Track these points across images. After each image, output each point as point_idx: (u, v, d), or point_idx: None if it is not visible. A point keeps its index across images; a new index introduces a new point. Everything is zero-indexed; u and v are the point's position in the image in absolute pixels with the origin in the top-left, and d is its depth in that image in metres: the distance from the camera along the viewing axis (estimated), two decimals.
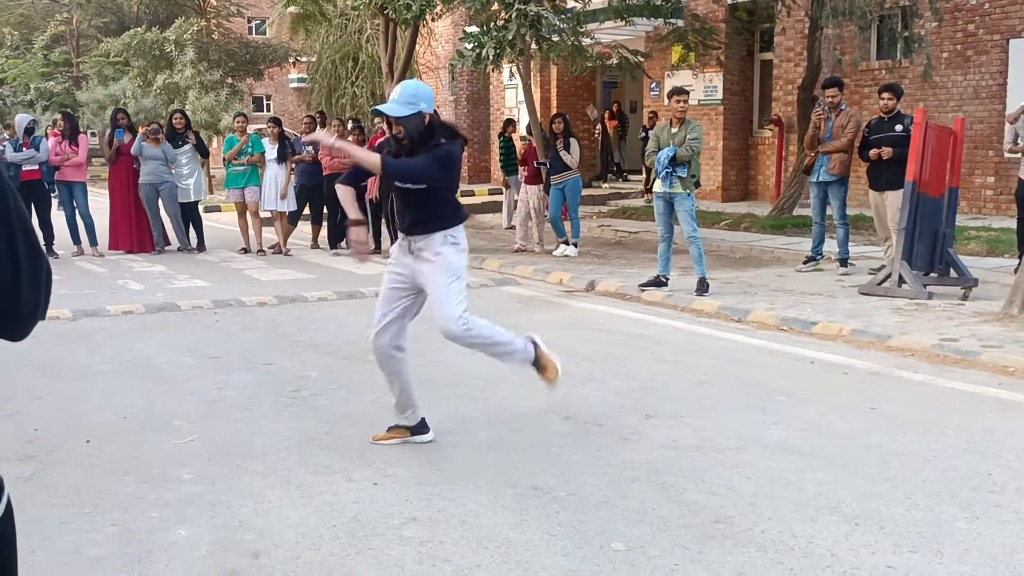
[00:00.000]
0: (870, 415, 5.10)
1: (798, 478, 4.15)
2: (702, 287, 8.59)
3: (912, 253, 8.34)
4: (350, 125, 13.36)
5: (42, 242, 12.65)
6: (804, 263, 10.01)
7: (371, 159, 4.32)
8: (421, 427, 4.75)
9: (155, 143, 12.22)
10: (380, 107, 4.43)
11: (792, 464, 4.34)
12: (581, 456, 4.49)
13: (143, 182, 12.32)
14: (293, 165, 12.46)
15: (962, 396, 5.46)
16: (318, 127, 14.11)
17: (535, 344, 4.68)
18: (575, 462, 4.41)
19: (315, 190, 12.38)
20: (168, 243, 12.74)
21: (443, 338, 4.49)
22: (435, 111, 4.47)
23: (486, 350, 4.57)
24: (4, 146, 11.91)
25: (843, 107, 9.64)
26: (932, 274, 8.54)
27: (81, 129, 14.12)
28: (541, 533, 3.62)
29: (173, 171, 12.46)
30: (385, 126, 4.50)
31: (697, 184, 8.75)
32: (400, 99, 4.31)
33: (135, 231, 12.54)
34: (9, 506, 1.55)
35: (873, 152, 8.93)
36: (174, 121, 12.87)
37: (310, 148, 12.54)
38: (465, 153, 23.92)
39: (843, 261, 9.75)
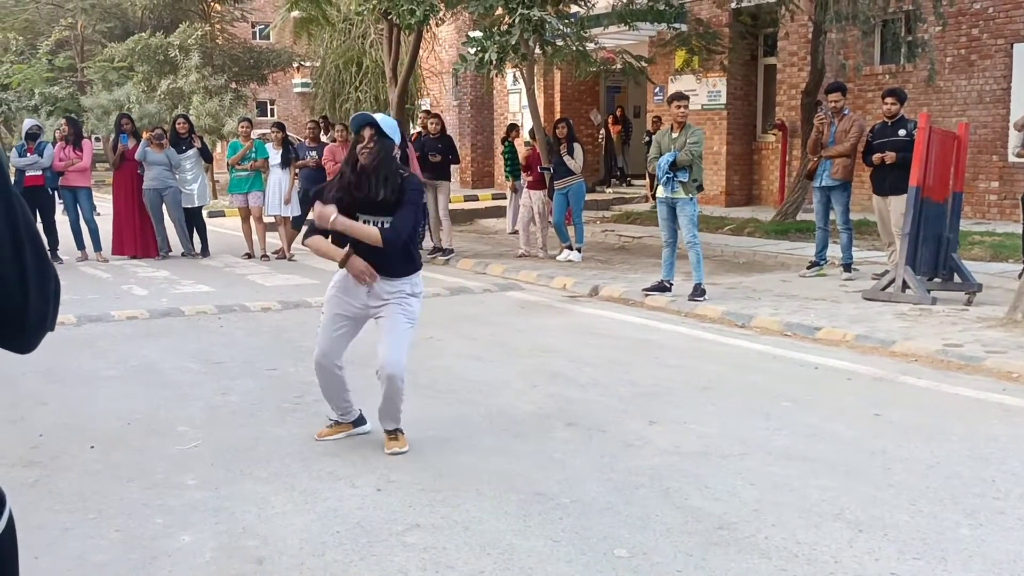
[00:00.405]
0: (874, 421, 5.10)
1: (802, 484, 4.15)
2: (697, 292, 8.60)
3: (916, 258, 8.33)
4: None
5: (46, 247, 12.71)
6: (808, 268, 10.00)
7: (371, 235, 4.47)
8: (360, 420, 4.99)
9: (159, 148, 12.25)
10: (379, 120, 4.54)
11: (796, 470, 4.34)
12: (584, 462, 4.49)
13: (147, 187, 12.34)
14: (297, 170, 12.48)
15: (966, 402, 5.45)
16: (322, 132, 14.15)
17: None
18: (578, 468, 4.41)
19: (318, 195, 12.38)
20: (171, 249, 12.75)
21: (377, 370, 4.59)
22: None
23: (394, 397, 4.64)
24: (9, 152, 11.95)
25: (846, 112, 9.64)
26: (936, 279, 8.53)
27: (85, 134, 14.16)
28: (544, 539, 3.62)
29: (177, 176, 12.48)
30: (355, 135, 4.57)
31: (700, 188, 8.75)
32: (386, 124, 4.56)
33: (139, 236, 12.56)
34: (11, 521, 1.55)
35: (876, 157, 8.93)
36: (178, 126, 12.89)
37: (313, 153, 12.56)
38: (469, 158, 23.85)
39: (847, 266, 9.74)
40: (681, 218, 8.70)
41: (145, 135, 12.49)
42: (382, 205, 4.49)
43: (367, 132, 4.51)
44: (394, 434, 4.77)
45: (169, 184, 12.37)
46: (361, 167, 4.49)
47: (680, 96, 8.82)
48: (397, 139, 4.58)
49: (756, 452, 4.60)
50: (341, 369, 4.78)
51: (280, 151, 12.40)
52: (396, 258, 4.60)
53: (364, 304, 4.68)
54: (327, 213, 4.49)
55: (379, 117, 4.60)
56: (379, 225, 4.49)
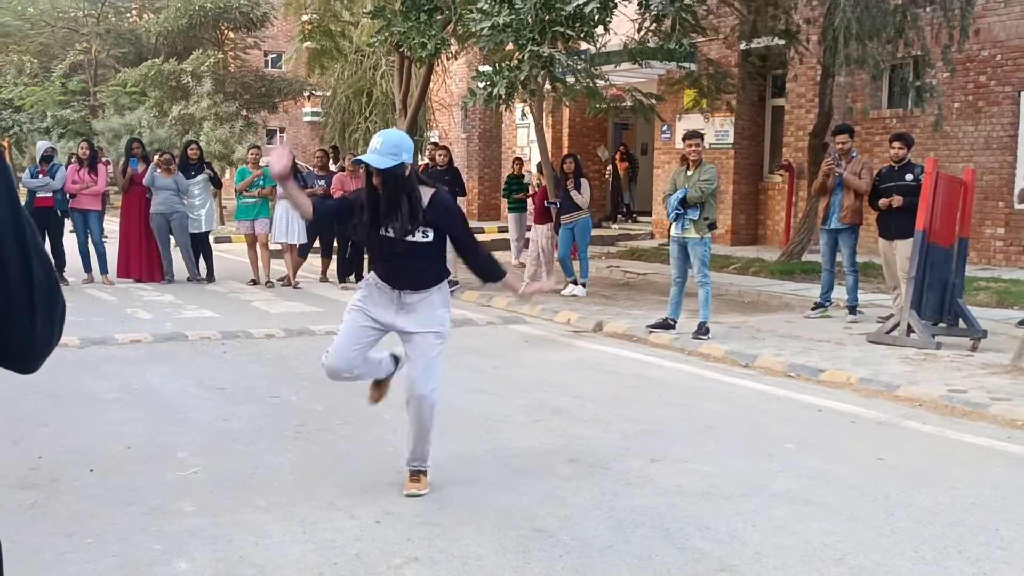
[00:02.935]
0: (877, 465, 5.07)
1: (804, 528, 4.12)
2: (701, 331, 8.59)
3: (921, 302, 8.31)
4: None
5: (55, 270, 12.67)
6: (812, 309, 9.99)
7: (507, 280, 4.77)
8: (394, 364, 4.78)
9: (167, 173, 12.31)
10: (363, 158, 4.34)
11: (798, 513, 4.30)
12: (585, 499, 4.47)
13: (154, 211, 12.40)
14: None
15: (970, 449, 5.42)
16: (331, 161, 14.20)
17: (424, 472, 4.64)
18: (579, 505, 4.38)
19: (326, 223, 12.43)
20: (174, 275, 12.76)
21: (408, 398, 4.49)
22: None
23: (425, 425, 4.50)
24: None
25: (854, 154, 9.67)
26: (941, 324, 8.51)
27: (103, 158, 14.26)
28: None
29: (185, 201, 12.53)
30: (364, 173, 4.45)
31: (712, 227, 8.76)
32: (383, 150, 4.26)
33: (145, 260, 12.59)
34: None
35: (883, 201, 8.95)
36: (189, 152, 12.97)
37: (322, 182, 12.61)
38: (476, 190, 23.94)
39: (851, 309, 9.72)
40: (693, 258, 8.71)
41: (156, 160, 12.55)
42: (420, 220, 4.36)
43: (373, 169, 4.30)
44: (417, 476, 4.57)
45: (176, 209, 12.42)
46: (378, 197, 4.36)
47: (693, 135, 8.87)
48: (402, 158, 4.27)
49: (758, 494, 4.56)
50: (358, 369, 4.62)
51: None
52: (434, 263, 4.49)
53: (391, 320, 4.48)
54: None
55: (379, 143, 4.29)
56: (421, 235, 4.36)
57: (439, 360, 4.52)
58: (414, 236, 4.36)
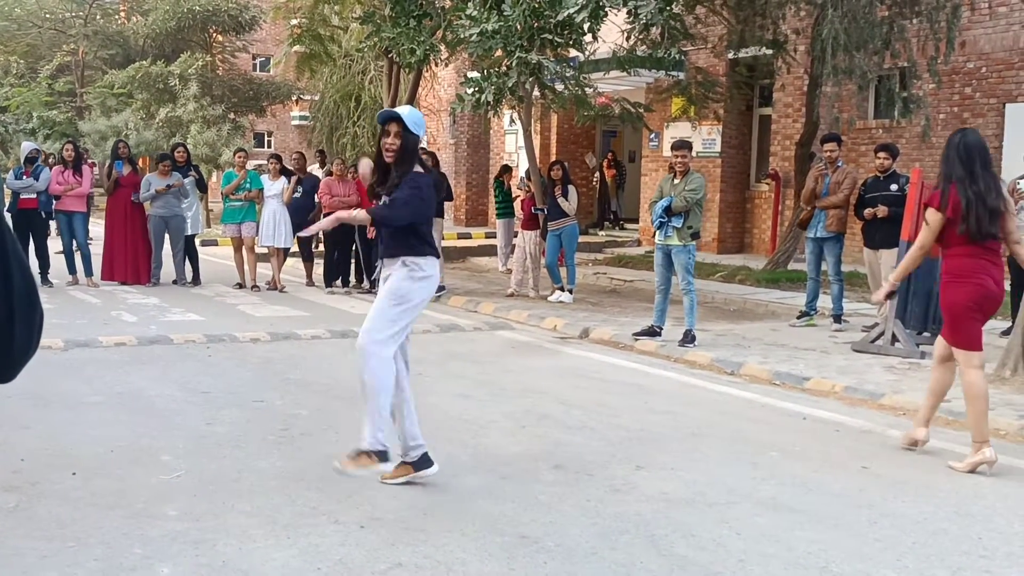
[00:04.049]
0: (861, 474, 5.08)
1: (788, 536, 4.13)
2: (687, 338, 8.61)
3: (906, 312, 8.36)
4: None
5: (37, 271, 12.49)
6: (798, 318, 10.03)
7: (361, 215, 4.75)
8: (424, 462, 4.75)
9: (165, 175, 12.33)
10: (402, 114, 4.63)
11: (783, 521, 4.31)
12: (570, 506, 4.46)
13: (153, 214, 12.39)
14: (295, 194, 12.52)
15: (954, 458, 5.44)
16: (317, 164, 14.15)
17: (384, 450, 4.59)
18: (564, 512, 4.38)
19: (304, 226, 12.40)
20: (160, 278, 12.71)
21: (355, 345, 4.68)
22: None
23: (367, 390, 4.54)
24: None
25: (840, 164, 9.73)
26: (925, 333, 8.55)
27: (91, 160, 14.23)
28: None
29: (183, 204, 12.55)
30: (382, 139, 4.68)
31: (695, 236, 8.79)
32: (411, 119, 4.65)
33: (130, 262, 12.53)
34: None
35: (868, 211, 9.00)
36: (177, 155, 12.93)
37: (299, 186, 12.56)
38: (463, 196, 23.90)
39: (836, 317, 9.76)
40: (676, 265, 8.74)
41: (159, 172, 12.49)
42: (388, 184, 4.68)
43: (393, 128, 4.61)
44: (357, 455, 4.56)
45: (176, 212, 12.42)
46: (384, 164, 4.67)
47: (681, 144, 8.91)
48: (422, 133, 4.72)
49: (743, 501, 4.57)
50: (405, 380, 4.73)
51: (276, 182, 12.47)
52: (402, 238, 4.67)
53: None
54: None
55: (405, 112, 4.68)
56: (383, 202, 4.69)
57: (382, 319, 4.57)
58: (380, 202, 4.71)
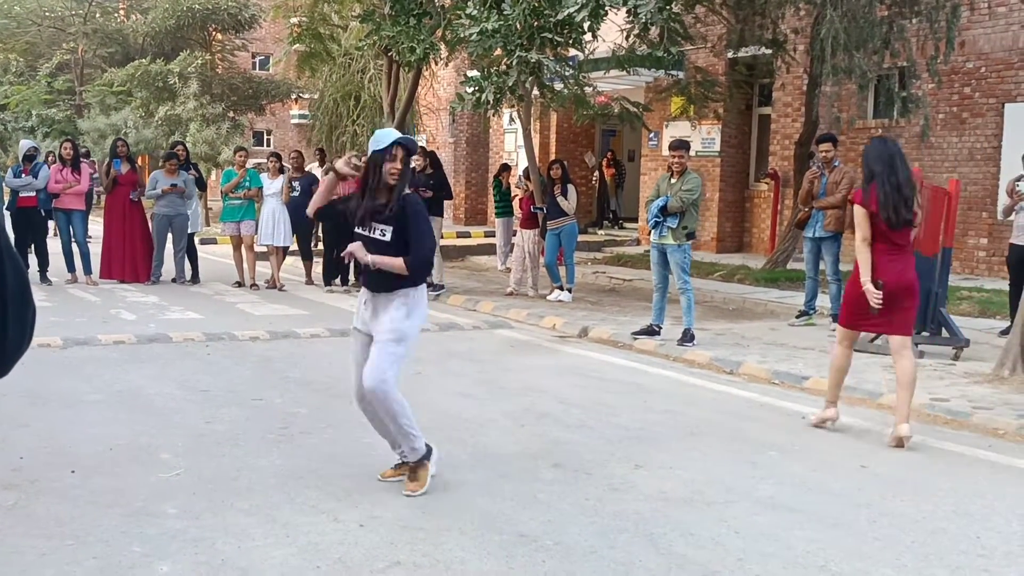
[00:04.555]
0: (860, 473, 5.09)
1: (787, 535, 4.13)
2: (686, 337, 8.61)
3: None
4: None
5: (36, 269, 12.42)
6: (796, 317, 10.03)
7: (396, 264, 4.46)
8: (426, 456, 4.72)
9: (172, 174, 12.33)
10: (406, 144, 4.55)
11: (781, 520, 4.32)
12: (569, 504, 4.47)
13: (158, 212, 12.39)
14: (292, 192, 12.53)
15: (952, 457, 5.45)
16: (316, 163, 14.13)
17: (429, 452, 4.66)
18: (563, 510, 4.38)
19: (303, 225, 12.42)
20: (160, 276, 12.71)
21: (358, 396, 4.59)
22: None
23: (390, 420, 4.53)
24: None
25: (836, 163, 9.72)
26: (924, 333, 8.55)
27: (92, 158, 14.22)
28: None
29: (186, 202, 12.55)
30: (387, 163, 4.53)
31: (691, 236, 8.79)
32: (411, 149, 4.61)
33: (128, 261, 12.52)
34: None
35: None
36: (177, 152, 12.92)
37: (296, 184, 12.55)
38: (463, 195, 23.87)
39: (835, 317, 9.75)
40: (672, 264, 8.75)
41: (167, 171, 12.49)
42: (385, 215, 4.50)
43: (400, 152, 4.49)
44: (404, 468, 4.62)
45: (180, 211, 12.43)
46: (387, 185, 4.50)
47: (679, 144, 8.89)
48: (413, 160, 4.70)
49: (742, 500, 4.58)
50: None
51: (275, 181, 12.47)
52: (388, 273, 4.52)
53: (367, 326, 4.60)
54: (361, 254, 4.50)
55: (404, 140, 4.61)
56: (379, 233, 4.50)
57: (388, 360, 4.47)
58: (371, 232, 4.52)
